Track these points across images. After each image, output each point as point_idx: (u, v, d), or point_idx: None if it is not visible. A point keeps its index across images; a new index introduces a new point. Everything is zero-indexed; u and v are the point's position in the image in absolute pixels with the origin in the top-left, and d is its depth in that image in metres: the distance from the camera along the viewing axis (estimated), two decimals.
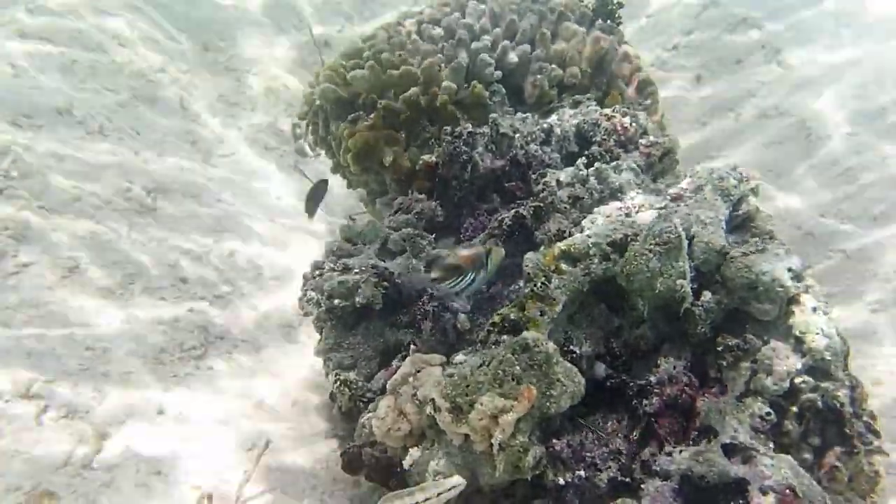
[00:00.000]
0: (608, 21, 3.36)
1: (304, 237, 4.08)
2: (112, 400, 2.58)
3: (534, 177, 2.55)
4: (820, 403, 1.92)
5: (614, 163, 2.54)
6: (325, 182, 3.08)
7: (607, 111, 2.78)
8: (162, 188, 3.69)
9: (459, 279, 2.05)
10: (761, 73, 5.00)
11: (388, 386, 2.16)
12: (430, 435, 1.95)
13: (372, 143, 2.89)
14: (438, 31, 3.15)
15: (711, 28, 5.39)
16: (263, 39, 5.39)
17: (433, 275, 2.04)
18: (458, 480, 1.77)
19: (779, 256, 2.02)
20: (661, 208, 2.24)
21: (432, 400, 1.85)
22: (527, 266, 2.08)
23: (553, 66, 3.09)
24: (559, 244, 2.06)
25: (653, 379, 1.96)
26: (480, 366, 1.84)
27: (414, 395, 2.02)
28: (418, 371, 2.12)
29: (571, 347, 1.95)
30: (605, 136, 2.67)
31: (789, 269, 2.00)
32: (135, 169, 3.68)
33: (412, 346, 2.33)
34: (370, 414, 2.17)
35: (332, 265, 2.55)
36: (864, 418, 1.99)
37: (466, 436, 1.80)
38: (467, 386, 1.80)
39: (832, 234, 3.91)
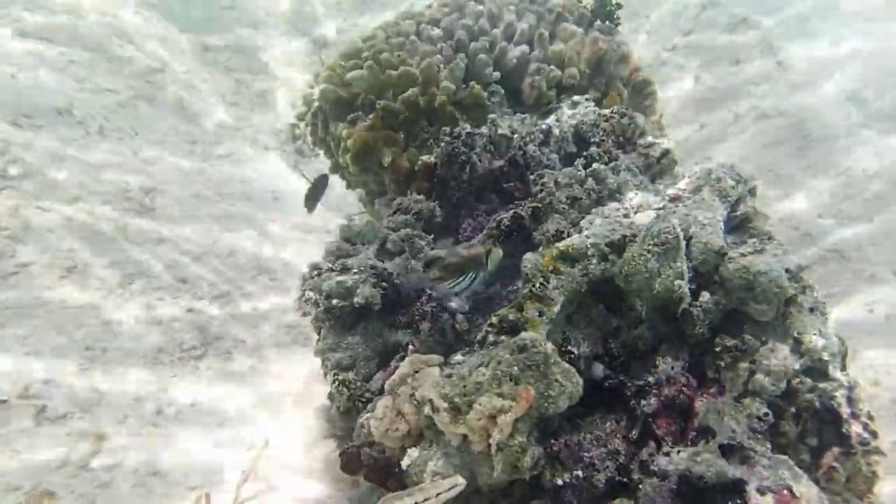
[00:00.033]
0: (607, 22, 3.36)
1: (303, 237, 4.09)
2: (110, 400, 2.58)
3: (532, 177, 2.55)
4: (817, 404, 1.92)
5: (612, 163, 2.54)
6: (325, 177, 3.08)
7: (605, 112, 2.78)
8: (160, 188, 3.69)
9: (460, 279, 2.05)
10: (760, 74, 5.01)
11: (386, 386, 2.16)
12: (429, 435, 1.95)
13: (371, 144, 2.89)
14: (437, 31, 3.15)
15: (710, 28, 5.40)
16: (264, 40, 5.39)
17: (434, 274, 2.05)
18: (457, 480, 1.77)
19: (777, 257, 2.02)
20: (659, 209, 2.25)
21: (430, 400, 1.86)
22: (525, 267, 2.08)
23: (551, 66, 3.10)
24: (557, 245, 2.06)
25: (651, 379, 1.96)
26: (479, 366, 1.84)
27: (412, 395, 2.02)
28: (417, 371, 2.12)
29: (569, 348, 1.95)
30: (603, 137, 2.67)
31: (787, 270, 2.00)
32: (134, 169, 3.68)
33: (410, 347, 2.33)
34: (368, 414, 2.17)
35: (330, 265, 2.55)
36: (862, 419, 2.00)
37: (465, 436, 1.80)
38: (465, 386, 1.81)
39: (830, 234, 3.92)
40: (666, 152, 2.69)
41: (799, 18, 5.23)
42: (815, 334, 1.95)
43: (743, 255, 2.02)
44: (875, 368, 3.09)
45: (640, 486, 1.80)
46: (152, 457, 2.44)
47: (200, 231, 3.63)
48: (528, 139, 2.67)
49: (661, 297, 1.99)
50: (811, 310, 2.02)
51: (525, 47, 3.07)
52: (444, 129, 2.74)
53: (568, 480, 1.81)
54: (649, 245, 1.97)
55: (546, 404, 1.77)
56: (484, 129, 2.71)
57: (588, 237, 2.06)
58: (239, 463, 2.51)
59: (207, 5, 5.31)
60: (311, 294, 2.50)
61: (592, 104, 2.93)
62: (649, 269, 1.95)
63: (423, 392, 1.96)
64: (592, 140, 2.68)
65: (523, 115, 2.91)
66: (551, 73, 3.08)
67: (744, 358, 1.96)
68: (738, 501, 1.70)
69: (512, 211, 2.44)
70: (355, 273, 2.46)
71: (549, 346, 1.82)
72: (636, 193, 2.41)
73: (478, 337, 2.04)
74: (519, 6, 3.25)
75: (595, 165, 2.51)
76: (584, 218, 2.31)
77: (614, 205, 2.36)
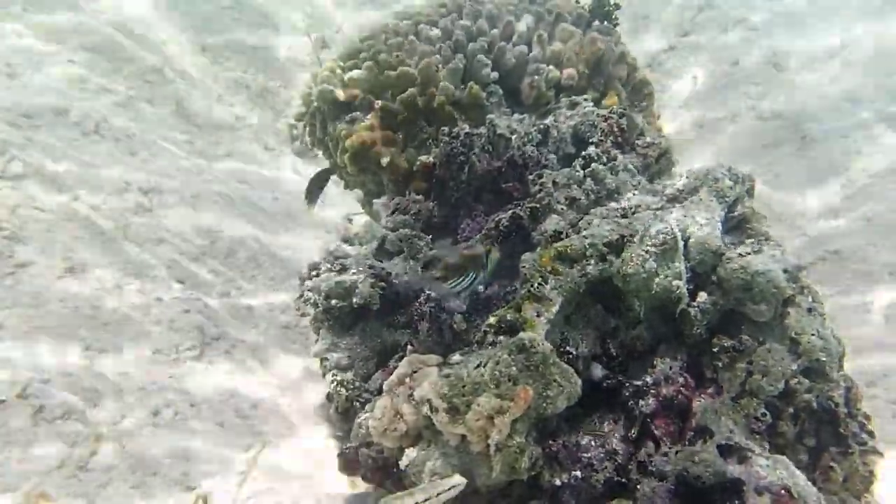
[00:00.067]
0: (605, 22, 3.37)
1: (303, 237, 4.09)
2: (108, 401, 2.58)
3: (531, 178, 2.55)
4: (815, 404, 1.93)
5: (611, 164, 2.54)
6: (327, 171, 3.08)
7: (604, 112, 2.78)
8: (160, 188, 3.69)
9: (461, 279, 2.05)
10: (758, 75, 5.02)
11: (384, 386, 2.16)
12: (427, 435, 1.95)
13: (369, 144, 2.89)
14: (436, 31, 3.15)
15: (708, 29, 5.41)
16: (262, 36, 5.39)
17: (435, 274, 2.05)
18: (458, 480, 1.77)
19: (774, 257, 2.02)
20: (657, 209, 2.25)
21: (429, 400, 1.86)
22: (523, 267, 2.08)
23: (550, 67, 3.10)
24: (556, 245, 2.07)
25: (649, 380, 1.96)
26: (477, 366, 1.85)
27: (410, 395, 2.02)
28: (415, 371, 2.12)
29: (568, 348, 1.95)
30: (601, 138, 2.67)
31: (785, 270, 2.00)
32: (133, 168, 3.68)
33: (409, 347, 2.33)
34: (367, 414, 2.17)
35: (329, 265, 2.55)
36: (859, 419, 2.01)
37: (463, 436, 1.80)
38: (464, 386, 1.81)
39: (828, 235, 3.92)
40: (664, 152, 2.69)
41: (797, 18, 5.24)
42: (812, 335, 1.96)
43: (741, 255, 2.02)
44: (872, 369, 3.10)
45: (639, 487, 1.80)
46: (152, 457, 2.44)
47: (200, 231, 3.62)
48: (526, 139, 2.67)
49: (659, 298, 1.99)
50: (809, 310, 2.03)
51: (524, 47, 3.08)
52: (442, 129, 2.75)
53: (566, 481, 1.81)
54: (647, 245, 1.97)
55: (544, 405, 1.78)
56: (482, 130, 2.71)
57: (586, 237, 2.06)
58: (237, 463, 2.51)
59: (209, 2, 5.31)
60: (310, 294, 2.50)
61: (591, 104, 2.93)
62: (647, 269, 1.95)
63: (422, 392, 1.96)
64: (591, 140, 2.68)
65: (522, 116, 2.91)
66: (550, 73, 3.08)
67: (741, 358, 1.97)
68: (737, 501, 1.70)
69: (510, 211, 2.44)
70: (354, 273, 2.47)
71: (548, 347, 1.82)
72: (634, 194, 2.41)
73: (476, 337, 2.04)
74: (517, 6, 3.26)
75: (593, 166, 2.51)
76: (582, 218, 2.31)
77: (613, 205, 2.36)
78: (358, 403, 2.33)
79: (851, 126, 4.47)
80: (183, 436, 2.58)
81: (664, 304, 2.02)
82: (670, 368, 1.97)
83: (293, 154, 4.72)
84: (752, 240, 2.16)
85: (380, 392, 2.21)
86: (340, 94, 3.01)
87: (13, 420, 2.37)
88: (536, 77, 3.05)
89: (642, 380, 1.97)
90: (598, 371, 2.01)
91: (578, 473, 1.82)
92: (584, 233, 2.12)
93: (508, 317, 1.94)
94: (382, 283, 2.43)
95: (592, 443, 1.88)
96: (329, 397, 2.52)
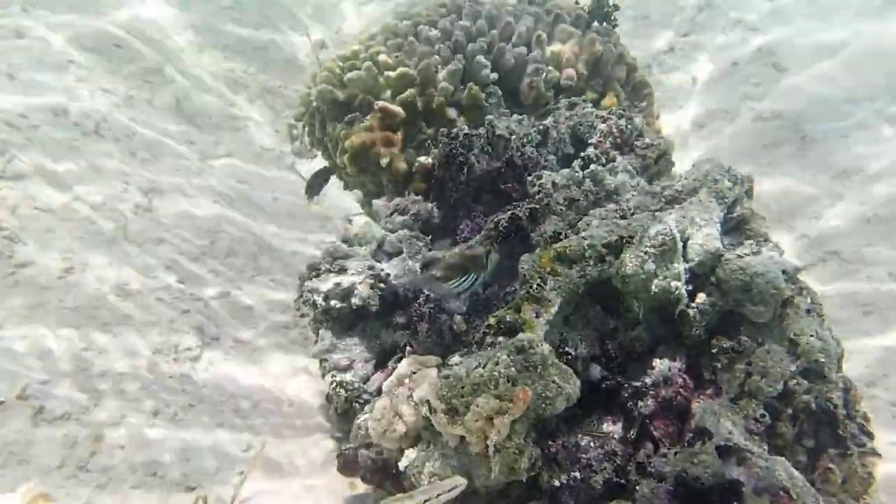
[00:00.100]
0: (604, 23, 3.37)
1: (304, 237, 4.09)
2: (108, 401, 2.58)
3: (530, 179, 2.55)
4: (814, 405, 1.93)
5: (610, 165, 2.54)
6: (327, 170, 3.08)
7: (603, 113, 2.79)
8: (159, 188, 3.68)
9: (464, 279, 2.06)
10: (757, 75, 5.02)
11: (384, 387, 2.17)
12: (426, 436, 1.96)
13: (368, 145, 2.89)
14: (435, 32, 3.16)
15: (708, 30, 5.41)
16: (262, 36, 5.39)
17: (437, 274, 2.05)
18: (458, 481, 1.77)
19: (773, 259, 2.03)
20: (656, 210, 2.25)
21: (428, 401, 1.86)
22: (522, 268, 2.09)
23: (549, 67, 3.10)
24: (555, 246, 2.07)
25: (648, 381, 1.97)
26: (476, 367, 1.85)
27: (410, 396, 2.02)
28: (414, 372, 2.13)
29: (567, 349, 1.95)
30: (600, 139, 2.68)
31: (784, 272, 2.00)
32: (133, 169, 3.68)
33: (408, 348, 2.34)
34: (366, 415, 2.18)
35: (328, 266, 2.55)
36: (858, 420, 2.01)
37: (462, 437, 1.80)
38: (463, 387, 1.81)
39: (827, 236, 3.92)
40: (663, 153, 2.70)
41: (797, 19, 5.24)
42: (811, 336, 1.96)
43: (740, 256, 2.03)
44: (871, 369, 3.10)
45: (638, 488, 1.80)
46: (151, 458, 2.44)
47: (200, 231, 3.62)
48: (525, 140, 2.67)
49: (658, 299, 1.99)
50: (808, 311, 2.03)
51: (523, 48, 3.08)
52: (441, 130, 2.75)
53: (565, 482, 1.81)
54: (646, 247, 1.97)
55: (543, 405, 1.78)
56: (482, 131, 2.72)
57: (585, 239, 2.06)
58: (237, 464, 2.51)
59: (209, 2, 5.31)
60: (310, 295, 2.50)
61: (590, 105, 2.93)
62: (646, 270, 1.96)
63: (421, 393, 1.96)
64: (590, 141, 2.69)
65: (521, 116, 2.91)
66: (549, 73, 3.08)
67: (740, 359, 1.97)
68: (735, 503, 1.70)
69: (509, 212, 2.44)
70: (353, 274, 2.47)
71: (547, 348, 1.83)
72: (633, 195, 2.41)
73: (475, 338, 2.04)
74: (517, 7, 3.26)
75: (593, 167, 2.51)
76: (581, 219, 2.31)
77: (612, 206, 2.36)
78: (357, 404, 2.33)
79: (851, 126, 4.47)
80: (183, 436, 2.58)
81: (663, 306, 2.02)
82: (669, 369, 1.97)
83: (293, 154, 4.72)
84: (752, 241, 2.16)
85: (379, 393, 2.22)
86: (340, 95, 3.02)
87: (13, 421, 2.37)
88: (535, 78, 3.05)
89: (641, 381, 1.98)
90: (596, 372, 2.01)
91: (577, 474, 1.82)
92: (583, 234, 2.12)
93: (507, 318, 1.94)
94: (382, 284, 2.43)
95: (591, 444, 1.89)
96: (328, 398, 2.52)
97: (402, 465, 1.96)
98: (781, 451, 1.89)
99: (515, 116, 2.92)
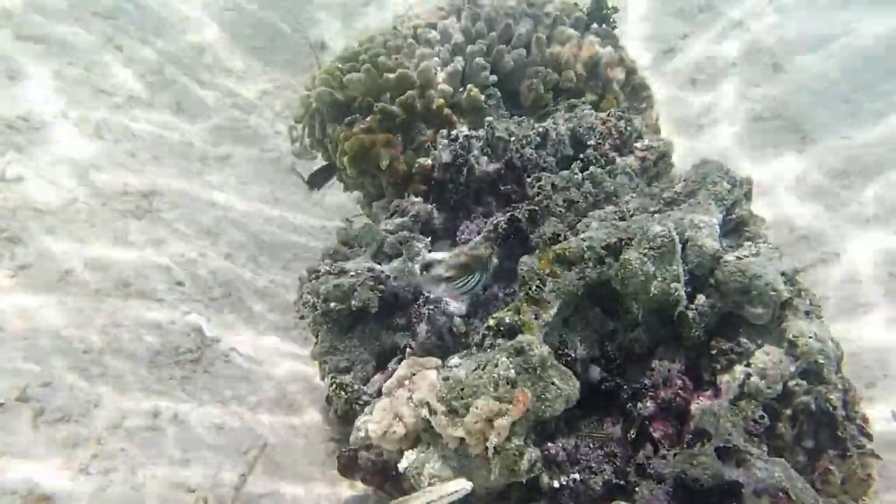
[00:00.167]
0: (603, 25, 3.38)
1: (303, 237, 4.09)
2: (108, 403, 2.58)
3: (529, 180, 2.56)
4: (813, 406, 1.94)
5: (609, 166, 2.55)
6: (331, 167, 3.09)
7: (602, 115, 2.79)
8: (159, 189, 3.69)
9: (468, 278, 2.07)
10: (756, 76, 5.02)
11: (383, 389, 2.17)
12: (426, 438, 1.96)
13: (368, 146, 2.89)
14: (434, 34, 3.16)
15: (707, 31, 5.41)
16: (263, 35, 5.39)
17: (443, 274, 2.06)
18: (462, 484, 1.77)
19: (772, 260, 2.03)
20: (655, 212, 2.26)
21: (427, 403, 1.86)
22: (522, 269, 2.09)
23: (548, 69, 3.10)
24: (554, 248, 2.07)
25: (647, 382, 1.97)
26: (476, 369, 1.85)
27: (409, 398, 2.03)
28: (414, 374, 2.13)
29: (566, 351, 1.96)
30: (600, 140, 2.68)
31: (783, 273, 2.01)
32: (133, 170, 3.69)
33: (408, 349, 2.34)
34: (366, 417, 2.18)
35: (327, 268, 2.55)
36: (857, 421, 2.01)
37: (462, 439, 1.81)
38: (462, 389, 1.81)
39: (826, 237, 3.93)
40: (663, 155, 2.70)
41: (796, 19, 5.24)
42: (810, 337, 1.96)
43: (738, 258, 2.03)
44: (870, 370, 3.10)
45: (637, 489, 1.81)
46: (151, 459, 2.44)
47: (200, 231, 3.63)
48: (525, 142, 2.68)
49: (657, 301, 2.00)
50: (807, 313, 2.04)
51: (522, 51, 3.08)
52: (441, 131, 2.75)
53: (565, 483, 1.82)
54: (645, 248, 1.98)
55: (543, 407, 1.78)
56: (481, 132, 2.72)
57: (584, 240, 2.07)
58: (237, 466, 2.51)
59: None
60: (309, 297, 2.51)
61: (589, 107, 2.94)
62: (645, 272, 1.96)
63: (421, 395, 1.97)
64: (589, 143, 2.69)
65: (520, 118, 2.91)
66: (548, 76, 3.08)
67: (739, 361, 1.97)
68: None
69: (509, 213, 2.44)
70: (352, 276, 2.47)
71: (546, 349, 1.83)
72: (632, 196, 2.42)
73: (475, 340, 2.04)
74: (516, 10, 3.26)
75: (592, 168, 2.52)
76: (580, 221, 2.32)
77: (611, 208, 2.37)
78: (357, 406, 2.33)
79: (851, 126, 4.48)
80: (183, 437, 2.59)
81: (662, 307, 2.02)
82: (668, 371, 1.98)
83: (292, 155, 4.72)
84: (751, 242, 2.17)
85: (379, 395, 2.22)
86: (339, 97, 3.02)
87: (13, 423, 2.37)
88: (535, 80, 3.06)
89: (641, 382, 1.98)
90: (596, 373, 2.02)
91: (577, 476, 1.83)
92: (583, 235, 2.12)
93: (507, 319, 1.94)
94: (381, 286, 2.43)
95: (591, 445, 1.89)
96: (328, 400, 2.52)
97: (401, 466, 1.96)
98: (781, 452, 1.90)
99: (515, 118, 2.92)
